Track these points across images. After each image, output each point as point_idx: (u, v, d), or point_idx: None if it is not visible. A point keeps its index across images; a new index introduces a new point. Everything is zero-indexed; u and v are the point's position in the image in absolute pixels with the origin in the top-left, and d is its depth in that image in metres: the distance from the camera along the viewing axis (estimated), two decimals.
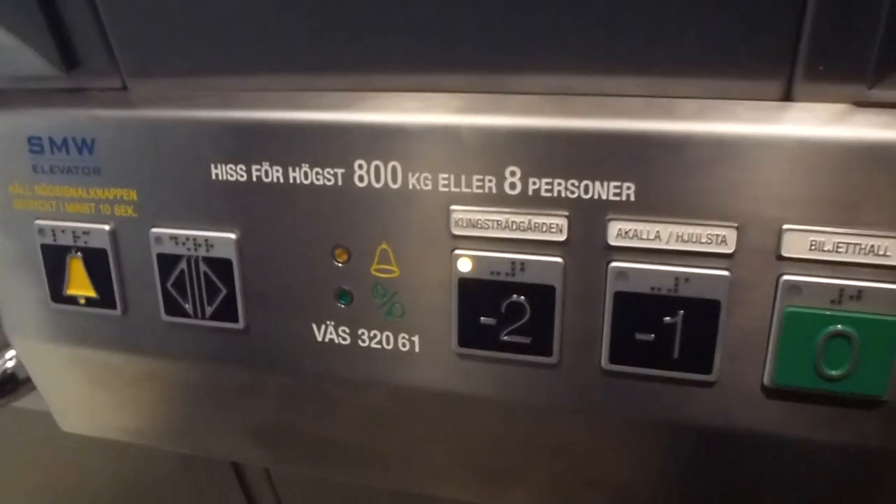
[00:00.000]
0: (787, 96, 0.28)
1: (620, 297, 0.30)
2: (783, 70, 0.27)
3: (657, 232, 0.29)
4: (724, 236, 0.28)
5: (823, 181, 0.27)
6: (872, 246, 0.27)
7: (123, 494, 0.63)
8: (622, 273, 0.29)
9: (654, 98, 0.29)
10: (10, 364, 0.47)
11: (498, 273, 0.31)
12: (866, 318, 0.28)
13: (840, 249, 0.27)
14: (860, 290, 0.28)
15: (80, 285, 0.37)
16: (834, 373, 0.29)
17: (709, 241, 0.28)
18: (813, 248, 0.28)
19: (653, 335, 0.30)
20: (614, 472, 0.34)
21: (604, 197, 0.29)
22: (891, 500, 0.31)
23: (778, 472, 0.32)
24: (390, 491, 0.53)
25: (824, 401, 0.29)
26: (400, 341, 0.33)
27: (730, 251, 0.28)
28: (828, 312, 0.28)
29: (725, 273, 0.29)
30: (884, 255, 0.27)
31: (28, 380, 0.47)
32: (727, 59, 0.28)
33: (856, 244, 0.27)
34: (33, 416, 0.55)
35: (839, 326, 0.28)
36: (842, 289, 0.28)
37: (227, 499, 0.57)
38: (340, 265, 0.33)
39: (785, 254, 0.28)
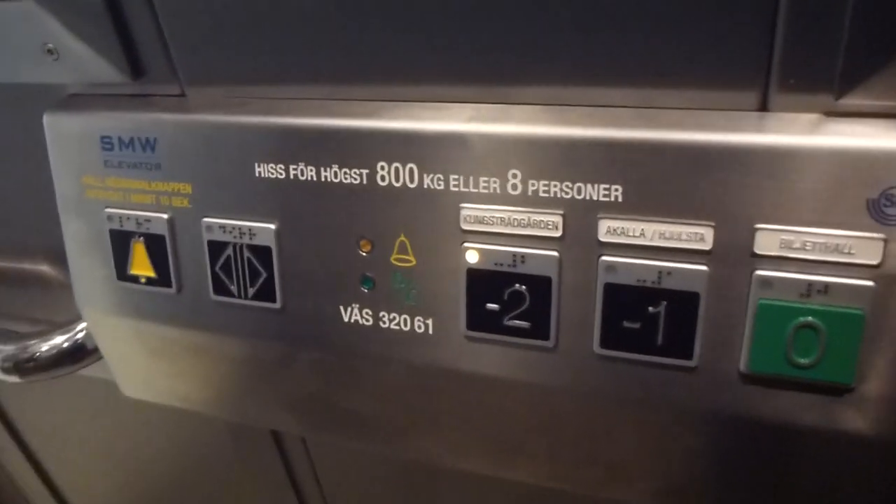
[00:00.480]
0: (764, 107, 0.31)
1: (610, 288, 0.33)
2: (759, 83, 0.31)
3: (642, 229, 0.32)
4: (702, 234, 0.32)
5: (793, 185, 0.30)
6: (838, 245, 0.30)
7: (175, 460, 0.70)
8: (611, 266, 0.33)
9: (642, 108, 0.32)
10: (80, 335, 0.53)
11: (501, 264, 0.35)
12: (832, 310, 0.31)
13: (808, 247, 0.30)
14: (827, 285, 0.31)
15: (141, 266, 0.42)
16: (803, 361, 0.32)
17: (688, 238, 0.32)
18: (783, 246, 0.31)
19: (639, 323, 0.33)
20: (607, 450, 0.38)
21: (594, 198, 0.33)
22: (864, 483, 0.34)
23: (756, 453, 0.35)
24: (420, 465, 0.57)
25: (796, 387, 0.32)
26: (416, 324, 0.38)
27: (707, 248, 0.32)
28: (797, 305, 0.31)
29: (704, 268, 0.32)
30: (848, 254, 0.30)
31: (96, 349, 0.53)
32: (708, 73, 0.31)
33: (823, 243, 0.30)
34: (99, 383, 0.62)
35: (808, 318, 0.31)
36: (810, 283, 0.31)
37: (268, 467, 0.62)
38: (365, 254, 0.37)
39: (758, 251, 0.31)
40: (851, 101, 0.30)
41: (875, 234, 0.29)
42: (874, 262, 0.30)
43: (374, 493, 0.60)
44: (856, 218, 0.30)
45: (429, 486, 0.59)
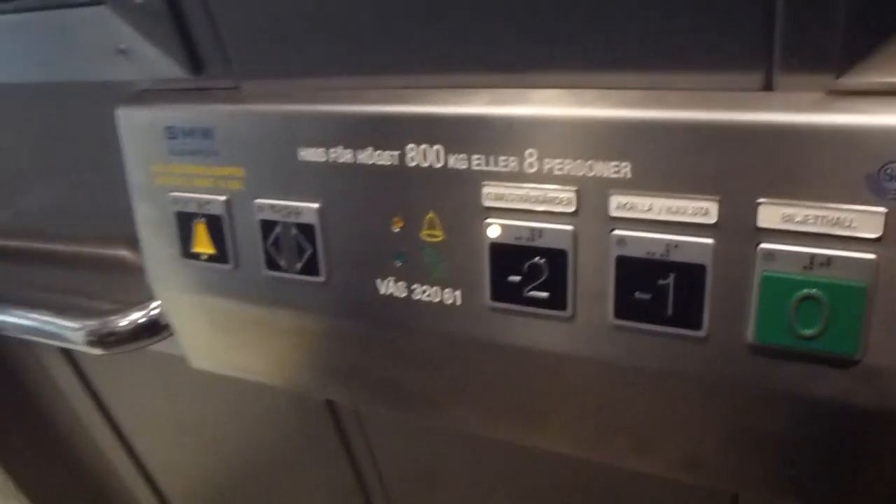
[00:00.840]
0: (768, 87, 0.33)
1: (621, 261, 0.36)
2: (762, 64, 0.32)
3: (650, 204, 0.35)
4: (707, 209, 0.34)
5: (795, 161, 0.32)
6: (839, 218, 0.32)
7: (240, 430, 0.75)
8: (622, 240, 0.36)
9: (650, 90, 0.35)
10: (154, 312, 0.59)
11: (521, 238, 0.38)
12: (835, 283, 0.32)
13: (810, 221, 0.32)
14: (829, 258, 0.32)
15: (203, 244, 0.47)
16: (807, 332, 0.33)
17: (694, 212, 0.34)
18: (786, 219, 0.32)
19: (649, 294, 0.36)
20: (626, 420, 0.40)
21: (605, 174, 0.35)
22: (872, 454, 0.35)
23: (767, 425, 0.37)
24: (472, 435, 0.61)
25: (802, 358, 0.34)
26: (445, 295, 0.41)
27: (712, 221, 0.34)
28: (800, 277, 0.33)
29: (709, 241, 0.34)
30: (850, 227, 0.31)
31: (168, 325, 0.59)
32: (713, 56, 0.33)
33: (824, 216, 0.32)
34: (174, 359, 0.68)
35: (811, 290, 0.33)
36: (812, 256, 0.32)
37: (325, 437, 0.67)
38: (397, 231, 0.41)
39: (761, 225, 0.33)
40: (851, 79, 0.31)
41: (875, 208, 0.31)
42: (875, 236, 0.31)
43: (427, 462, 0.64)
44: (856, 192, 0.31)
45: (481, 456, 0.63)
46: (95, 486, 1.06)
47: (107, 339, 0.61)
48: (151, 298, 0.59)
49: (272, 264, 0.45)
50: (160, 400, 0.82)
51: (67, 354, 0.84)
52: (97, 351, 0.63)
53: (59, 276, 0.73)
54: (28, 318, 0.68)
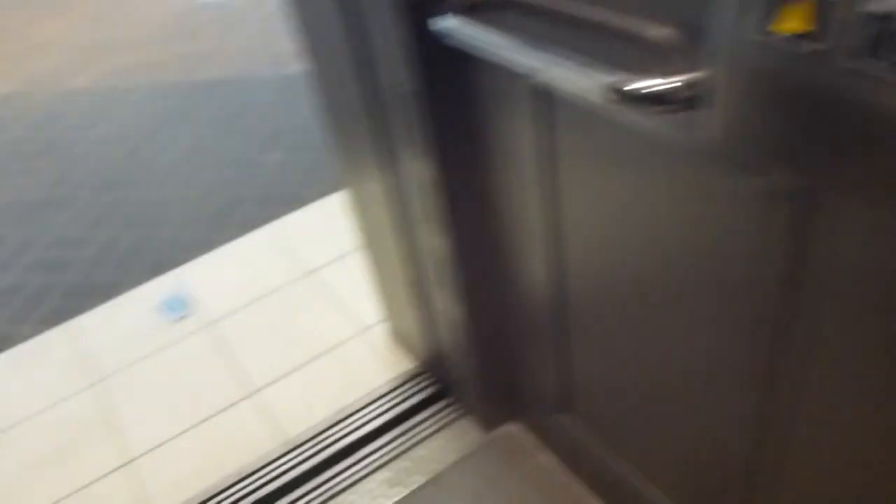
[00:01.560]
0: None
1: None
2: None
3: None
4: None
5: None
6: None
7: (674, 221, 0.82)
8: None
9: None
10: (674, 84, 0.67)
11: None
12: None
13: None
14: None
15: (795, 22, 0.52)
16: None
17: None
18: None
19: None
20: None
21: None
22: None
23: None
24: None
25: None
26: None
27: None
28: None
29: None
30: None
31: (684, 101, 0.67)
32: None
33: None
34: (640, 140, 0.76)
35: None
36: None
37: (770, 245, 0.72)
38: None
39: None
40: None
41: None
42: None
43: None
44: None
45: None
46: (505, 236, 1.25)
47: (625, 94, 0.70)
48: (679, 73, 0.67)
49: (872, 55, 0.49)
50: (608, 176, 0.93)
51: (546, 103, 0.96)
52: (612, 99, 0.72)
53: (593, 42, 0.82)
54: (552, 61, 0.80)
